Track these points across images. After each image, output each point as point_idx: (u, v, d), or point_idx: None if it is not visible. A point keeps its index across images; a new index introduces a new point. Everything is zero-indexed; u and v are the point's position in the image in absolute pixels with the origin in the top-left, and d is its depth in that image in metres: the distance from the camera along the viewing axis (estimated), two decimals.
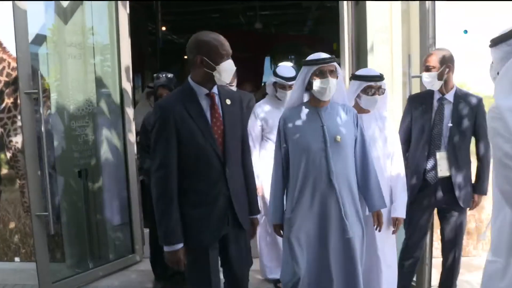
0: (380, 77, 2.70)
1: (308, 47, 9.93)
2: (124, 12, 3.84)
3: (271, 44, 10.79)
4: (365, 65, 3.73)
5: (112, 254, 4.07)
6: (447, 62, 2.84)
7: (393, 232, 2.77)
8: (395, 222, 2.75)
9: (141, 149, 3.50)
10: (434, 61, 2.85)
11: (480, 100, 2.95)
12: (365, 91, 2.69)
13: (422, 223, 2.95)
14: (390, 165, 2.78)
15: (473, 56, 3.72)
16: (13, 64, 3.89)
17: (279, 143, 2.57)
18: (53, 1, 3.76)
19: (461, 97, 2.90)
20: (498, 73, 1.71)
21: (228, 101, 2.23)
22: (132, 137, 3.99)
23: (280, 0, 9.57)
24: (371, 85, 2.68)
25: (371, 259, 2.67)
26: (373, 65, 3.66)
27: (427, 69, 2.87)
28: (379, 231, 2.61)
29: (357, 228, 2.49)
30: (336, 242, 2.46)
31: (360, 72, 2.81)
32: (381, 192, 2.55)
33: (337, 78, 2.45)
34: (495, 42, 1.74)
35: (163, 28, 10.61)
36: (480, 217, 3.98)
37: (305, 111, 2.52)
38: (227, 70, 2.12)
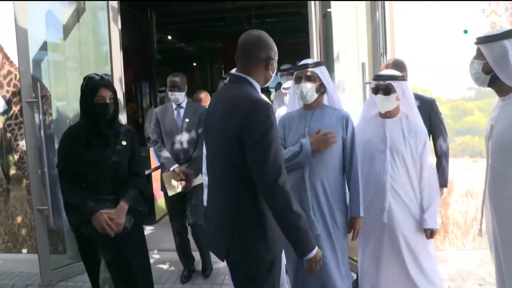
0: (379, 76, 2.71)
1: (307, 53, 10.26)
2: (115, 28, 4.25)
3: None
4: (332, 72, 4.08)
5: None
6: (398, 70, 3.09)
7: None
8: (429, 233, 2.71)
9: (63, 176, 2.57)
10: (389, 70, 3.13)
11: (433, 101, 3.20)
12: (373, 90, 2.75)
13: None
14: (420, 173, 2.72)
15: (433, 59, 4.03)
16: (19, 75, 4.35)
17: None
18: (54, 18, 4.22)
19: (415, 99, 3.17)
20: (491, 70, 2.04)
21: None
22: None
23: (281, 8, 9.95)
24: (376, 83, 2.71)
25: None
26: (340, 73, 4.01)
27: None
28: (353, 239, 2.62)
29: (327, 226, 2.57)
30: None
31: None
32: (358, 199, 2.58)
33: (315, 82, 2.59)
34: (486, 40, 2.03)
35: (169, 37, 11.07)
36: (446, 214, 4.25)
37: (296, 114, 2.72)
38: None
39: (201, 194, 3.57)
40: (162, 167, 3.84)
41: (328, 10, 4.02)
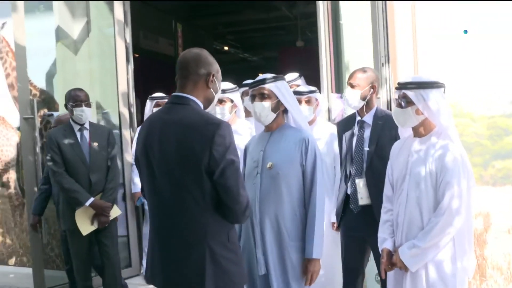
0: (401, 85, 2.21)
1: None
2: (121, 42, 4.18)
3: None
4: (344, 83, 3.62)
5: None
6: (373, 82, 2.68)
7: None
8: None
9: None
10: (359, 79, 2.68)
11: None
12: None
13: (352, 253, 2.75)
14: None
15: (462, 67, 3.37)
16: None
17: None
18: (64, 34, 4.25)
19: (381, 118, 2.66)
20: None
21: None
22: (128, 157, 4.25)
23: None
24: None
25: None
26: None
27: (351, 86, 2.69)
28: (305, 284, 2.25)
29: (278, 266, 2.25)
30: (257, 277, 2.27)
31: None
32: (312, 238, 2.20)
33: (272, 100, 2.26)
34: None
35: (226, 48, 11.03)
36: (483, 254, 3.51)
37: (259, 136, 2.42)
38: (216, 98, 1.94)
39: (116, 232, 3.47)
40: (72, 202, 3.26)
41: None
